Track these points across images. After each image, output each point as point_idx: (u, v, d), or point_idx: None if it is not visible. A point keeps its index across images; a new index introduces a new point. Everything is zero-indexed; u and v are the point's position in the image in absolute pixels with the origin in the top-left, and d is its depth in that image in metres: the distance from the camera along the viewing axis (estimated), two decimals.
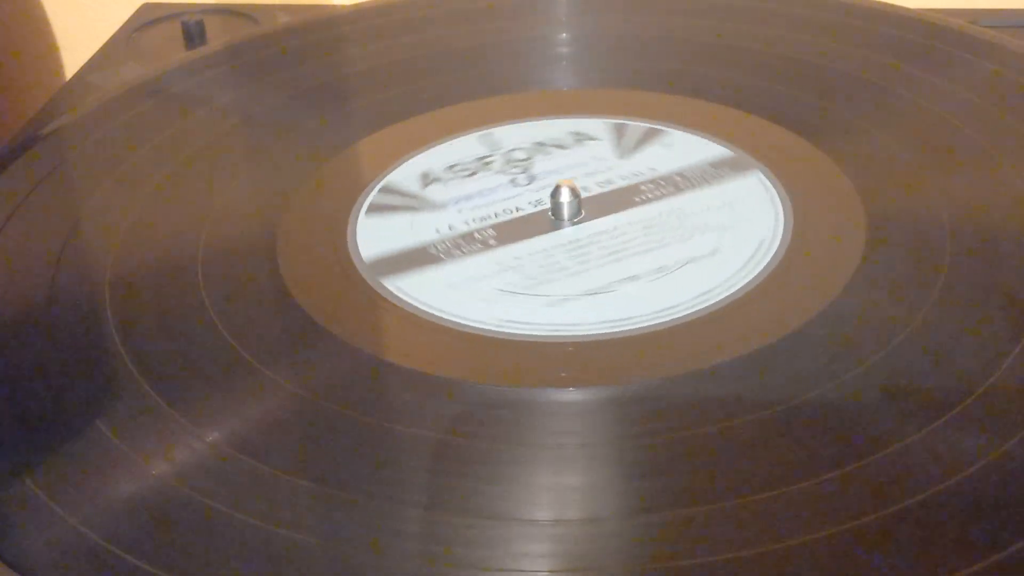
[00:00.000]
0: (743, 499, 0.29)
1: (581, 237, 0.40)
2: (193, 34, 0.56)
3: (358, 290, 0.38)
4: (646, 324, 0.36)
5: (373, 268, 0.39)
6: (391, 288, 0.38)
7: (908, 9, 0.53)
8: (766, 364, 0.34)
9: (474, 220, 0.42)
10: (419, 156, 0.46)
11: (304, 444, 0.32)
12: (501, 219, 0.42)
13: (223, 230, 0.41)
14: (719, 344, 0.35)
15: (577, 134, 0.47)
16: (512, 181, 0.44)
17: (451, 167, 0.45)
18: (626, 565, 0.28)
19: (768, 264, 0.38)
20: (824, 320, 0.35)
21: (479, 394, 0.33)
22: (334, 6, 0.62)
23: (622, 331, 0.36)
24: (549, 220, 0.41)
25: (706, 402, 0.32)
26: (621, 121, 0.47)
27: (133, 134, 0.47)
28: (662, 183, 0.43)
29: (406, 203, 0.43)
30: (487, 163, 0.45)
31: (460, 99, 0.50)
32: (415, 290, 0.38)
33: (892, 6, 0.53)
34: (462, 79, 0.51)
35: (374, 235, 0.41)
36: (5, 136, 0.49)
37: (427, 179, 0.44)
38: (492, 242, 0.41)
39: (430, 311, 0.37)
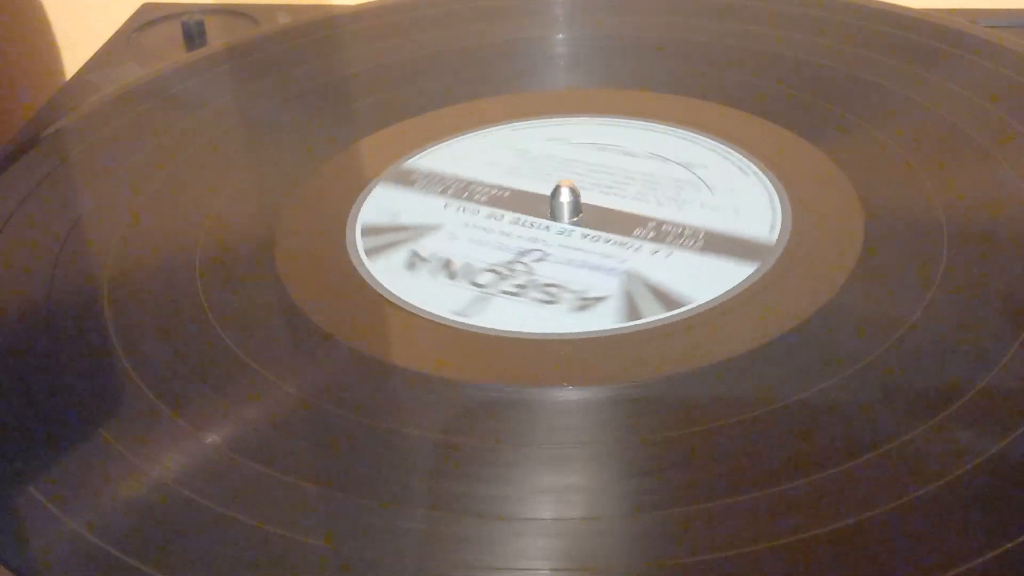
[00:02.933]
0: (742, 498, 0.29)
1: (581, 237, 0.40)
2: (193, 34, 0.56)
3: (358, 290, 0.38)
4: (646, 323, 0.36)
5: (373, 268, 0.39)
6: (391, 288, 0.38)
7: (908, 9, 0.53)
8: (765, 363, 0.34)
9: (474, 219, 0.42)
10: (419, 156, 0.46)
11: (303, 445, 0.32)
12: (526, 240, 0.42)
13: (223, 230, 0.41)
14: (718, 343, 0.35)
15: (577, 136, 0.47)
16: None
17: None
18: (626, 564, 0.28)
19: (766, 263, 0.38)
20: (822, 319, 0.35)
21: (479, 394, 0.33)
22: (334, 6, 0.62)
23: (621, 331, 0.36)
24: (549, 220, 0.41)
25: (705, 401, 0.32)
26: (624, 121, 0.47)
27: (133, 134, 0.47)
28: (662, 183, 0.43)
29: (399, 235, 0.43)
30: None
31: (460, 99, 0.50)
32: (415, 290, 0.38)
33: (892, 6, 0.53)
34: (462, 79, 0.51)
35: (374, 235, 0.41)
36: (5, 136, 0.50)
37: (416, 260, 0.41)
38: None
39: (430, 311, 0.37)
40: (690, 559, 0.28)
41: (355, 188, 0.44)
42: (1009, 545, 0.27)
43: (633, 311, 0.36)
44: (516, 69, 0.52)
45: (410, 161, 0.46)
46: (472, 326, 0.36)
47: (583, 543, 0.29)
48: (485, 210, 0.42)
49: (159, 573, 0.28)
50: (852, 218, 0.40)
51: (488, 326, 0.36)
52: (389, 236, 0.41)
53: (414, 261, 0.40)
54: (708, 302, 0.37)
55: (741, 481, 0.30)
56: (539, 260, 0.39)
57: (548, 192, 0.42)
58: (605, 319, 0.36)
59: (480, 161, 0.45)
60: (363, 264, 0.40)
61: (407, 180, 0.45)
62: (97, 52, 0.56)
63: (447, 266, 0.39)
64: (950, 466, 0.29)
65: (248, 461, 0.31)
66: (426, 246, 0.41)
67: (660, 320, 0.36)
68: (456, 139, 0.47)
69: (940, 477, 0.29)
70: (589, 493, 0.30)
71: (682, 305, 0.36)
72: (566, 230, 0.41)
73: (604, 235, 0.40)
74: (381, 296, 0.38)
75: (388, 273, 0.39)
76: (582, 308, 0.37)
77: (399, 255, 0.40)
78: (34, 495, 0.31)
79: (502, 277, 0.38)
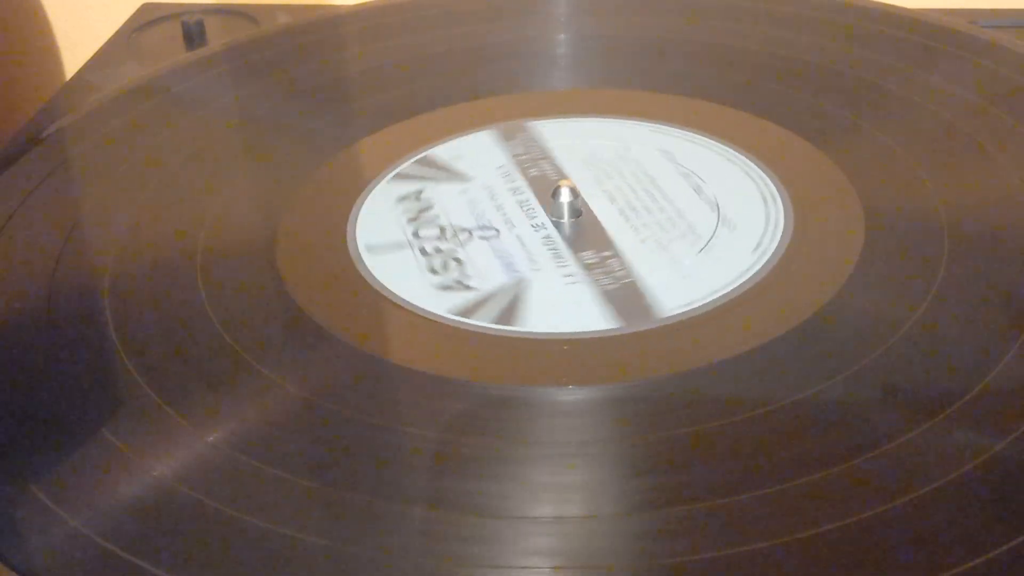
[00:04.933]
0: (743, 497, 0.29)
1: (595, 233, 0.40)
2: (193, 34, 0.56)
3: (358, 290, 0.38)
4: (646, 324, 0.36)
5: (373, 268, 0.39)
6: (391, 288, 0.38)
7: (908, 9, 0.53)
8: (765, 363, 0.34)
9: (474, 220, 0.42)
10: (419, 155, 0.46)
11: (304, 444, 0.32)
12: (501, 219, 0.42)
13: (223, 230, 0.41)
14: (718, 343, 0.35)
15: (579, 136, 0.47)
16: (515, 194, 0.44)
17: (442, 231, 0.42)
18: (627, 563, 0.28)
19: (767, 263, 0.38)
20: (823, 319, 0.35)
21: (479, 394, 0.33)
22: (334, 6, 0.62)
23: (622, 331, 0.36)
24: (549, 220, 0.41)
25: (706, 401, 0.32)
26: (625, 120, 0.47)
27: (133, 134, 0.47)
28: (662, 183, 0.43)
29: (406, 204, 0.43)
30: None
31: (460, 99, 0.50)
32: (415, 290, 0.38)
33: (892, 6, 0.53)
34: (462, 79, 0.51)
35: (374, 235, 0.41)
36: (5, 136, 0.50)
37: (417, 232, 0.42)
38: (492, 242, 0.41)
39: (430, 311, 0.37)
40: (690, 558, 0.28)
41: (355, 188, 0.44)
42: (1009, 545, 0.27)
43: (505, 315, 0.37)
44: (516, 69, 0.52)
45: (409, 160, 0.46)
46: (472, 326, 0.36)
47: (583, 542, 0.29)
48: (521, 184, 0.43)
49: (159, 571, 0.28)
50: (852, 218, 0.40)
51: (488, 326, 0.36)
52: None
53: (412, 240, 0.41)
54: (708, 302, 0.37)
55: (741, 481, 0.30)
56: (485, 238, 0.40)
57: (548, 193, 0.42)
58: (453, 303, 0.37)
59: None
60: (363, 264, 0.40)
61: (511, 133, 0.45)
62: (97, 52, 0.56)
63: (428, 210, 0.41)
64: (950, 466, 0.29)
65: (248, 460, 0.31)
66: (432, 213, 0.42)
67: (660, 320, 0.36)
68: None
69: (940, 477, 0.29)
70: (589, 492, 0.30)
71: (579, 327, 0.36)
72: (543, 225, 0.41)
73: (562, 237, 0.41)
74: (381, 295, 0.38)
75: (388, 269, 0.39)
76: (447, 288, 0.38)
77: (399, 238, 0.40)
78: (35, 493, 0.31)
79: (441, 237, 0.40)
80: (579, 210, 0.41)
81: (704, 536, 0.28)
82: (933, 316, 0.35)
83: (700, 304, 0.36)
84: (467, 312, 0.37)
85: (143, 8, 0.61)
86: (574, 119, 0.48)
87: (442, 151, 0.46)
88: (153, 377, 0.34)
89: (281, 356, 0.35)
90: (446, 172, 0.44)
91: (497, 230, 0.41)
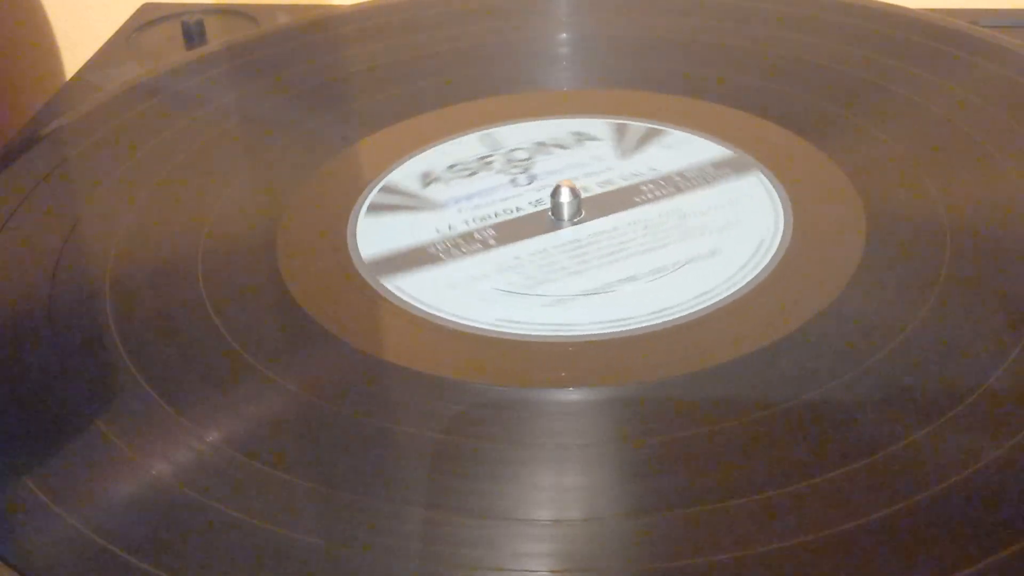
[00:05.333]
0: (743, 499, 0.29)
1: (581, 237, 0.40)
2: (193, 34, 0.56)
3: (358, 290, 0.38)
4: (646, 324, 0.36)
5: (373, 268, 0.39)
6: (391, 288, 0.38)
7: (908, 9, 0.53)
8: (766, 364, 0.34)
9: (474, 220, 0.42)
10: (419, 156, 0.46)
11: (304, 444, 0.32)
12: (501, 219, 0.42)
13: (223, 230, 0.41)
14: (719, 344, 0.35)
15: (578, 134, 0.47)
16: (512, 181, 0.44)
17: (452, 167, 0.45)
18: (626, 565, 0.28)
19: (768, 264, 0.38)
20: (824, 320, 0.35)
21: (479, 394, 0.33)
22: (334, 6, 0.62)
23: (622, 331, 0.36)
24: (549, 220, 0.41)
25: (706, 402, 0.32)
26: (622, 121, 0.47)
27: (133, 134, 0.47)
28: (662, 183, 0.43)
29: (406, 203, 0.43)
30: (487, 163, 0.45)
31: (460, 99, 0.50)
32: (415, 290, 0.38)
33: (892, 6, 0.53)
34: (462, 79, 0.51)
35: (374, 235, 0.41)
36: (5, 136, 0.49)
37: (427, 179, 0.44)
38: (492, 242, 0.41)
39: (430, 311, 0.37)
40: (689, 560, 0.28)
41: (355, 188, 0.44)
42: (1011, 548, 0.27)
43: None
44: (516, 69, 0.52)
45: (410, 160, 0.46)
46: (472, 326, 0.36)
47: (582, 544, 0.29)
48: (485, 209, 0.43)
49: (158, 570, 0.28)
50: (854, 219, 0.40)
51: (488, 326, 0.36)
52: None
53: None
54: (709, 303, 0.37)
55: (741, 483, 0.30)
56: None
57: (548, 192, 0.42)
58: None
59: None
60: (363, 264, 0.40)
61: (407, 179, 0.45)
62: (97, 52, 0.56)
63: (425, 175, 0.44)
64: (952, 469, 0.29)
65: (248, 459, 0.31)
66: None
67: (660, 321, 0.36)
68: (457, 139, 0.47)
69: (942, 480, 0.29)
70: (588, 493, 0.30)
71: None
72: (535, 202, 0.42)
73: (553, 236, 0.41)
74: (382, 296, 0.38)
75: (390, 270, 0.39)
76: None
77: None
78: (35, 492, 0.30)
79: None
80: (579, 211, 0.41)
81: (703, 539, 0.28)
82: (934, 318, 0.35)
83: (700, 306, 0.36)
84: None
85: (143, 8, 0.61)
86: (568, 119, 0.48)
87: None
88: (153, 376, 0.34)
89: (281, 356, 0.35)
90: (421, 200, 0.45)
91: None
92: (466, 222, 0.42)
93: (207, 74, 0.51)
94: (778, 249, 0.39)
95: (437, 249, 0.40)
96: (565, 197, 0.41)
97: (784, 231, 0.40)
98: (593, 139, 0.46)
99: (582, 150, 0.46)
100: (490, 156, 0.46)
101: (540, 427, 0.32)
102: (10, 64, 0.72)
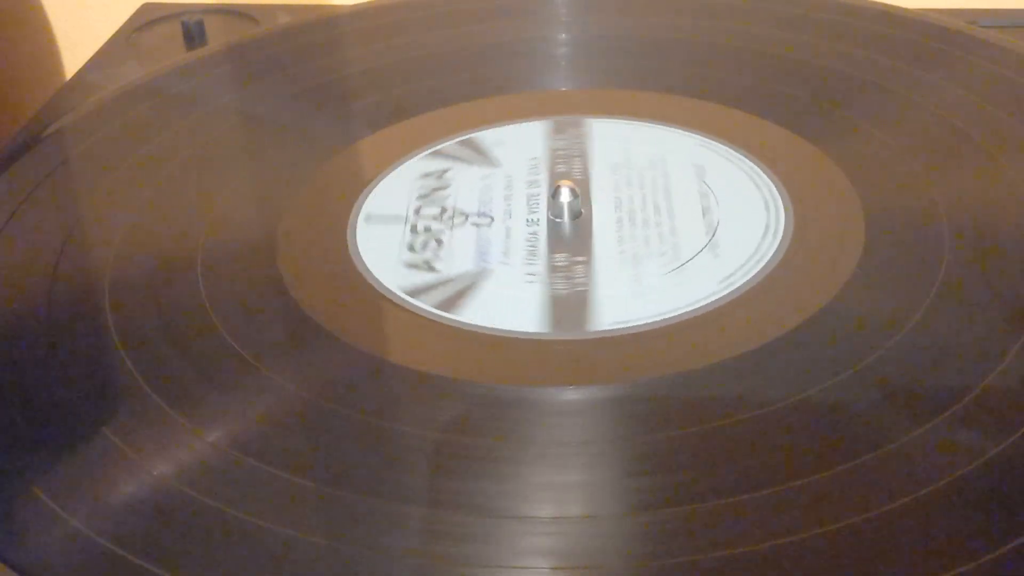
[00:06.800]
0: (743, 498, 0.29)
1: (580, 237, 0.40)
2: (193, 34, 0.56)
3: (358, 290, 0.39)
4: (646, 323, 0.36)
5: (373, 268, 0.39)
6: (391, 288, 0.38)
7: (908, 9, 0.53)
8: (765, 363, 0.34)
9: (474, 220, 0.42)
10: (420, 156, 0.46)
11: (304, 444, 0.32)
12: (503, 209, 0.42)
13: (223, 230, 0.41)
14: (718, 343, 0.35)
15: (577, 132, 0.47)
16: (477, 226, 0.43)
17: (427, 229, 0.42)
18: (626, 563, 0.28)
19: (767, 263, 0.38)
20: (823, 319, 0.35)
21: (479, 394, 0.33)
22: (334, 6, 0.62)
23: (622, 331, 0.36)
24: (549, 220, 0.41)
25: (706, 401, 0.32)
26: (622, 120, 0.47)
27: (133, 134, 0.47)
28: (661, 184, 0.43)
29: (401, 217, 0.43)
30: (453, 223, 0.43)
31: (461, 99, 0.50)
32: (382, 262, 0.38)
33: (892, 6, 0.53)
34: (462, 79, 0.51)
35: (374, 235, 0.41)
36: (5, 136, 0.50)
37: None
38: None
39: (430, 311, 0.37)
40: (689, 559, 0.28)
41: (355, 188, 0.44)
42: (1009, 546, 0.27)
43: (449, 302, 0.37)
44: (517, 69, 0.52)
45: (409, 161, 0.46)
46: (472, 326, 0.36)
47: (583, 542, 0.29)
48: (542, 178, 0.44)
49: (160, 571, 0.28)
50: (852, 218, 0.40)
51: (488, 326, 0.36)
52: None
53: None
54: (709, 303, 0.37)
55: (740, 481, 0.30)
56: (476, 224, 0.41)
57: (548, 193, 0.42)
58: (409, 281, 0.38)
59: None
60: (363, 264, 0.40)
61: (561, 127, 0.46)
62: (97, 52, 0.56)
63: (442, 189, 0.43)
64: (950, 468, 0.29)
65: (249, 459, 0.31)
66: (444, 193, 0.43)
67: (660, 320, 0.36)
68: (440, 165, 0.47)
69: (940, 479, 0.29)
70: (588, 492, 0.30)
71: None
72: (537, 221, 0.41)
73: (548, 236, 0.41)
74: (382, 295, 0.38)
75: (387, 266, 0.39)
76: (412, 267, 0.39)
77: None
78: (36, 493, 0.31)
79: (438, 217, 0.41)
80: (579, 211, 0.41)
81: (703, 537, 0.28)
82: (934, 317, 0.35)
83: (700, 305, 0.36)
84: (415, 292, 0.38)
85: (143, 8, 0.61)
86: (568, 118, 0.48)
87: (488, 135, 0.47)
88: (153, 377, 0.34)
89: (281, 356, 0.36)
90: (482, 156, 0.45)
91: (492, 218, 0.41)
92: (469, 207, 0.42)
93: (207, 74, 0.52)
94: (777, 248, 0.39)
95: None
96: (565, 197, 0.41)
97: (783, 231, 0.40)
98: (592, 138, 0.46)
99: (573, 142, 0.46)
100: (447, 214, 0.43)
101: (540, 427, 0.32)
102: (10, 64, 0.72)
